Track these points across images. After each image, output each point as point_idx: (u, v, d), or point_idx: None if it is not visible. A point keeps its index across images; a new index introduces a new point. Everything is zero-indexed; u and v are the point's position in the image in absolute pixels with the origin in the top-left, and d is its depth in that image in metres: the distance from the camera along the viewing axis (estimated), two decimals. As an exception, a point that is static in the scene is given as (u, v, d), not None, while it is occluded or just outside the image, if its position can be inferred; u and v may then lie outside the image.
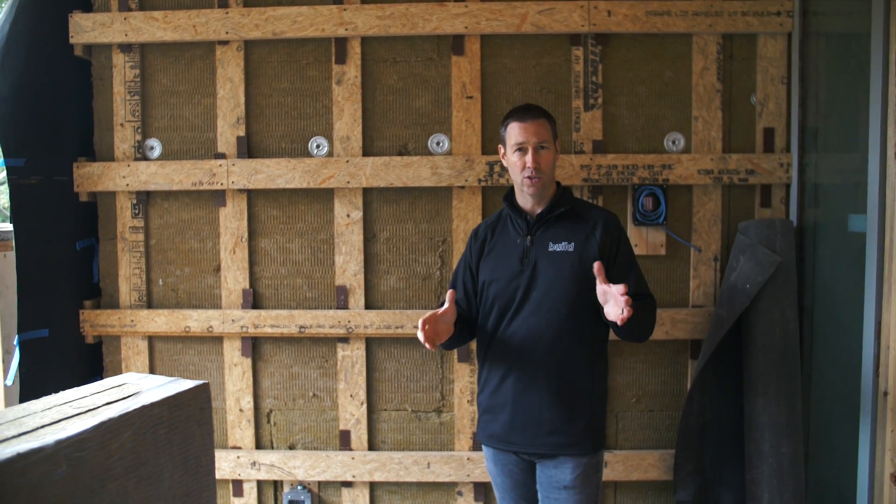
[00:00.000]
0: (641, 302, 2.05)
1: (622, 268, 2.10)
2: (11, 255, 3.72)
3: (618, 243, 2.11)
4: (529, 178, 2.08)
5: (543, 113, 2.14)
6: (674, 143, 2.78)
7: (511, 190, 2.22)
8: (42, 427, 1.17)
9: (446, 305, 2.06)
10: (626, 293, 1.85)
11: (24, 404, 1.30)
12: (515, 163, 2.10)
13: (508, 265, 2.14)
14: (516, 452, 2.15)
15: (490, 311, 2.15)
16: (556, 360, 2.06)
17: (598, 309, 2.02)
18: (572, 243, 2.09)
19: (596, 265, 1.95)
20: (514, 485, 2.20)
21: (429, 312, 2.00)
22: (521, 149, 2.09)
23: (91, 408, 1.28)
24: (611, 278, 1.99)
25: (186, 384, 1.44)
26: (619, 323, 1.88)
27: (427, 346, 1.98)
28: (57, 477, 1.10)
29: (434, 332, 1.99)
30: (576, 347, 2.07)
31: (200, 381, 1.46)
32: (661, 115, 2.78)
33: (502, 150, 2.19)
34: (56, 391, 1.39)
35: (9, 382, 2.98)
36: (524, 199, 2.16)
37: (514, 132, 2.11)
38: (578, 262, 2.06)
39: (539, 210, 2.14)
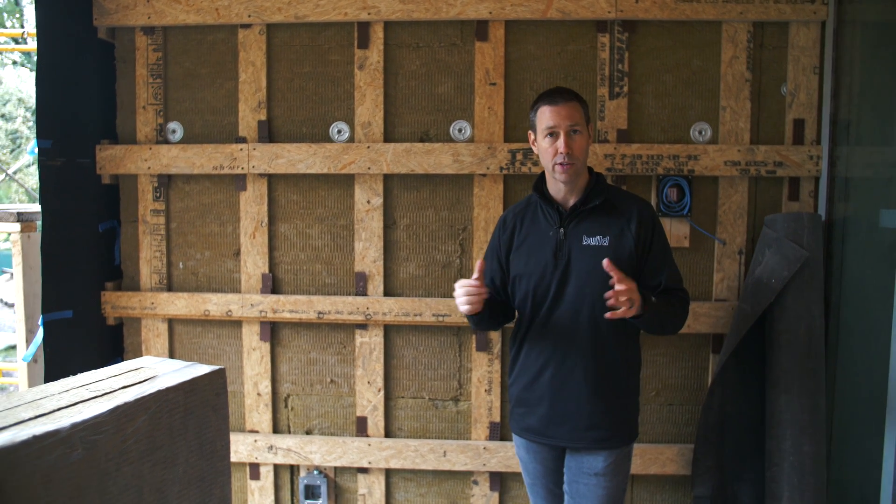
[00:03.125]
0: (666, 297, 2.02)
1: (655, 260, 2.05)
2: (35, 235, 3.79)
3: (652, 235, 2.05)
4: (562, 164, 1.99)
5: (576, 96, 2.05)
6: (700, 133, 2.72)
7: (541, 177, 2.14)
8: (58, 410, 1.18)
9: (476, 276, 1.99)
10: (625, 292, 1.85)
11: (42, 386, 1.31)
12: (546, 148, 2.02)
13: (541, 259, 2.08)
14: (554, 445, 2.15)
15: (524, 305, 2.12)
16: (593, 355, 2.04)
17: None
18: (607, 237, 2.02)
19: (605, 262, 1.89)
20: (546, 472, 2.20)
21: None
22: (553, 133, 2.00)
23: (107, 391, 1.28)
24: (643, 271, 2.02)
25: (202, 369, 1.44)
26: (608, 317, 1.89)
27: (467, 307, 1.97)
28: (72, 460, 1.11)
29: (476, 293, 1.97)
30: (611, 341, 2.05)
31: (216, 367, 1.46)
32: (688, 105, 2.72)
33: (532, 136, 2.11)
34: (80, 372, 1.40)
35: (27, 359, 3.02)
36: (556, 186, 2.08)
37: (544, 116, 2.02)
38: (613, 257, 1.97)
39: (572, 201, 2.07)
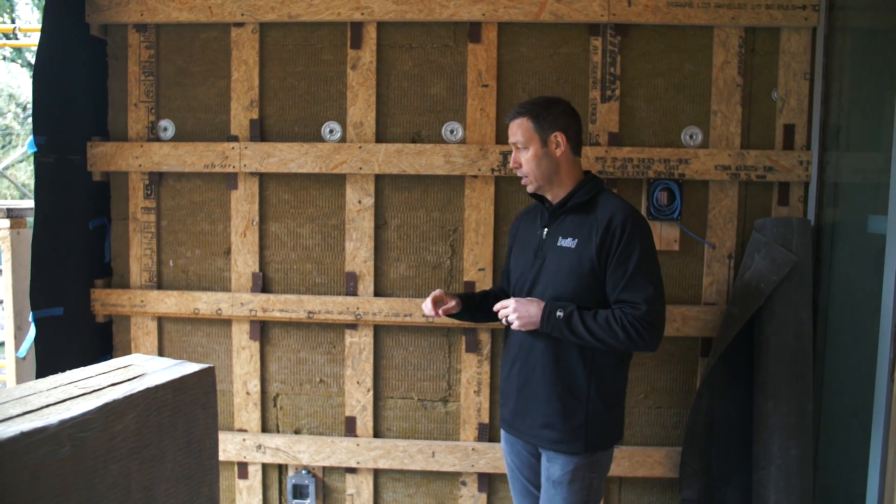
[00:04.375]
0: (605, 314, 1.98)
1: (615, 274, 2.00)
2: (24, 232, 3.76)
3: (619, 243, 1.98)
4: (520, 177, 2.14)
5: (524, 110, 2.09)
6: (691, 137, 2.73)
7: None
8: (47, 406, 1.18)
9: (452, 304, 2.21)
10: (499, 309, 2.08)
11: (31, 383, 1.30)
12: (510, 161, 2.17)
13: (526, 256, 2.18)
14: (521, 438, 2.20)
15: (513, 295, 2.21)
16: (552, 356, 2.06)
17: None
18: (576, 240, 2.05)
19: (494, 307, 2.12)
20: (522, 465, 2.24)
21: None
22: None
23: (96, 388, 1.28)
24: (609, 280, 2.01)
25: (191, 367, 1.44)
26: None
27: (431, 312, 2.16)
28: (60, 456, 1.10)
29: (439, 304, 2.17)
30: (571, 346, 2.04)
31: (205, 365, 1.46)
32: (679, 109, 2.74)
33: None
34: (70, 369, 1.40)
35: (20, 354, 3.00)
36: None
37: None
38: (577, 260, 2.02)
39: (556, 202, 2.13)
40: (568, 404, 2.05)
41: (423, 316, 2.76)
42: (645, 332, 1.96)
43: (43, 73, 2.66)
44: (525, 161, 2.09)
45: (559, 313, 1.99)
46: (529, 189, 2.14)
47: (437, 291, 2.18)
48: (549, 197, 2.15)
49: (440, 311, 2.16)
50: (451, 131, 2.80)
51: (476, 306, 2.29)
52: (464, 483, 2.87)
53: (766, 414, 2.53)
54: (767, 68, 2.71)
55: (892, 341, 2.15)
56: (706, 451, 2.68)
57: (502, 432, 2.30)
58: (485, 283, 2.77)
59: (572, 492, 2.07)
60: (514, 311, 2.05)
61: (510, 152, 2.67)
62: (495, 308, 2.12)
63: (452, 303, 2.19)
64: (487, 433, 2.83)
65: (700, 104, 2.73)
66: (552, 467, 2.10)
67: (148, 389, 1.30)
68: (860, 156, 2.58)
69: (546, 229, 2.13)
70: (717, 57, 2.70)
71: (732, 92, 2.69)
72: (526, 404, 2.12)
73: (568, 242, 2.06)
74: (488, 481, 2.85)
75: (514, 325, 2.06)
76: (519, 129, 2.09)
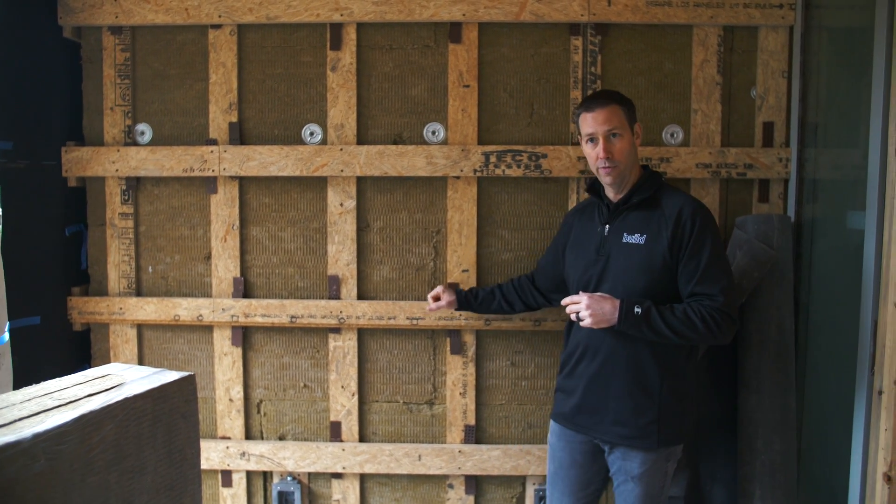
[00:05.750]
0: (682, 307, 2.00)
1: (689, 266, 2.02)
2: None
3: (690, 236, 2.01)
4: (604, 167, 2.08)
5: (616, 98, 2.11)
6: (672, 136, 2.74)
7: (596, 178, 2.22)
8: (20, 420, 1.14)
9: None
10: (568, 304, 2.10)
11: (4, 395, 1.27)
12: (590, 153, 2.13)
13: (586, 254, 2.17)
14: (584, 434, 2.19)
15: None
16: (624, 353, 2.07)
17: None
18: (644, 235, 2.05)
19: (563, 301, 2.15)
20: (573, 463, 2.23)
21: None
22: (593, 139, 2.10)
23: (72, 399, 1.25)
24: (679, 277, 2.03)
25: (171, 376, 1.41)
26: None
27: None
28: (35, 471, 1.07)
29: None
30: (644, 342, 2.05)
31: (186, 373, 1.43)
32: (660, 108, 2.75)
33: (581, 141, 2.21)
34: (48, 380, 1.37)
35: None
36: (606, 187, 2.17)
37: (585, 122, 2.12)
38: (648, 256, 2.03)
39: (620, 197, 2.13)
40: (640, 401, 2.07)
41: (408, 318, 2.76)
42: (724, 323, 2.00)
43: (8, 76, 2.59)
44: (619, 150, 2.07)
45: (637, 310, 1.98)
46: (610, 181, 2.10)
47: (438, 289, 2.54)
48: (609, 192, 2.15)
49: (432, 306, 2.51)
50: (433, 132, 2.78)
51: (479, 302, 2.53)
52: (451, 486, 2.85)
53: (749, 409, 2.54)
54: (746, 67, 2.73)
55: (871, 335, 2.17)
56: (691, 447, 2.69)
57: (554, 427, 2.29)
58: (468, 285, 2.76)
59: (651, 484, 2.10)
60: (586, 308, 2.02)
61: (492, 152, 2.69)
62: (563, 302, 2.11)
63: (444, 301, 2.45)
64: (474, 435, 2.81)
65: (680, 103, 2.74)
66: (629, 463, 2.10)
67: (126, 399, 1.27)
68: (838, 152, 2.60)
69: (608, 226, 2.12)
70: (697, 56, 2.71)
71: (712, 90, 2.70)
72: (593, 401, 2.12)
73: (635, 239, 2.06)
74: (476, 483, 2.84)
75: (586, 323, 2.03)
76: (614, 116, 2.07)
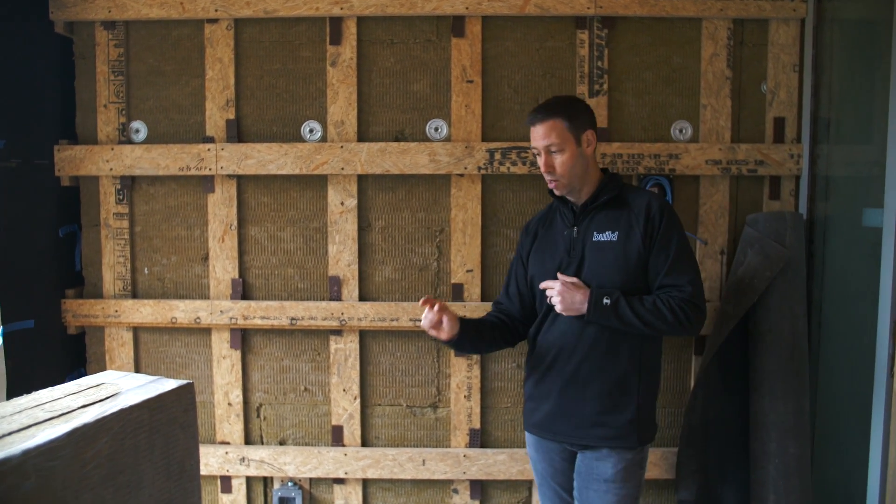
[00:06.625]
0: (651, 298, 2.00)
1: (657, 258, 2.03)
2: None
3: (659, 230, 2.03)
4: (548, 181, 2.08)
5: (556, 111, 2.05)
6: (681, 131, 2.68)
7: None
8: (9, 434, 1.07)
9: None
10: (548, 288, 2.04)
11: (-8, 407, 1.20)
12: (541, 165, 2.08)
13: (555, 257, 2.12)
14: (559, 442, 2.14)
15: (541, 304, 2.14)
16: (600, 352, 2.04)
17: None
18: (616, 233, 2.04)
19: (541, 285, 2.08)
20: (554, 472, 2.19)
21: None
22: (538, 153, 2.08)
23: (65, 411, 1.18)
24: (651, 266, 2.02)
25: (169, 384, 1.34)
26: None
27: (431, 331, 2.02)
28: (24, 490, 1.00)
29: (441, 314, 2.01)
30: (620, 339, 2.03)
31: (184, 381, 1.36)
32: (669, 103, 2.68)
33: None
34: (44, 385, 1.30)
35: None
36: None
37: (531, 136, 2.09)
38: (622, 252, 2.03)
39: (583, 200, 2.10)
40: (618, 401, 2.04)
41: (411, 320, 2.69)
42: (692, 314, 1.99)
43: None
44: (560, 164, 2.04)
45: (606, 300, 1.96)
46: (558, 193, 2.09)
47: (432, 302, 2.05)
48: (571, 197, 2.11)
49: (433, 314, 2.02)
50: (436, 129, 2.72)
51: (474, 332, 2.14)
52: (455, 490, 2.79)
53: (762, 412, 2.48)
54: (756, 61, 2.67)
55: (891, 336, 2.11)
56: (702, 451, 2.63)
57: (530, 438, 2.23)
58: (473, 285, 2.70)
59: (627, 490, 2.06)
60: (558, 295, 2.01)
61: (497, 150, 2.62)
62: (542, 286, 2.09)
63: (445, 324, 2.02)
64: (479, 439, 2.75)
65: (689, 98, 2.67)
66: (602, 466, 2.05)
67: (122, 410, 1.20)
68: (852, 148, 2.54)
69: (576, 228, 2.09)
70: (706, 49, 2.65)
71: (722, 85, 2.64)
72: (569, 405, 2.08)
73: (607, 236, 2.04)
74: (481, 488, 2.77)
75: (557, 309, 2.02)
76: (553, 132, 2.03)
